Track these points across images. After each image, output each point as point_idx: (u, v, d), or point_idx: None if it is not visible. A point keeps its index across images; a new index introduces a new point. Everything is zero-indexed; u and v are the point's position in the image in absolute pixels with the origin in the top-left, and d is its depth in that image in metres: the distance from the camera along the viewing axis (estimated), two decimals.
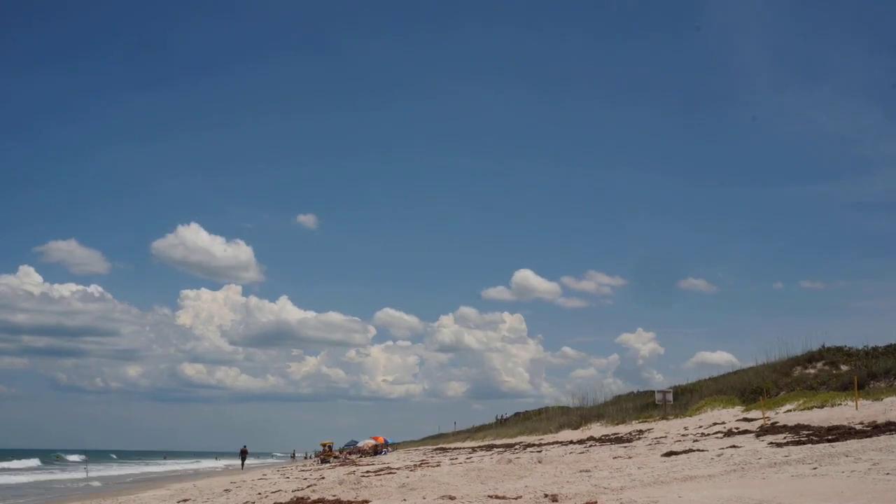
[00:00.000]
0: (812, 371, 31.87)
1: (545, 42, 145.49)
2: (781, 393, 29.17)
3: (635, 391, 48.37)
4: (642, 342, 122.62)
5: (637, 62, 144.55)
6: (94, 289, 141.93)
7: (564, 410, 55.92)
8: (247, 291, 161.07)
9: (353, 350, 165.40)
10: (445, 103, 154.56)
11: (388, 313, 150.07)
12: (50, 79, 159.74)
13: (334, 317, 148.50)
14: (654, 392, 39.97)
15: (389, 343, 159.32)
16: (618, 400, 46.22)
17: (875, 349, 31.61)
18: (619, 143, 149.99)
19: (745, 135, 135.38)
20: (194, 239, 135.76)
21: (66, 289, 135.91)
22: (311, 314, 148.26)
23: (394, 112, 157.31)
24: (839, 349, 33.32)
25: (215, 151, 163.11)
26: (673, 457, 16.20)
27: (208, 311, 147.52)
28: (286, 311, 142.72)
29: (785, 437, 17.30)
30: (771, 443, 16.57)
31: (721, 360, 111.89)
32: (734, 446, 16.89)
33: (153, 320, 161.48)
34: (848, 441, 14.73)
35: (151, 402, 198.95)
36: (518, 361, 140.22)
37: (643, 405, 39.65)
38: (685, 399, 36.24)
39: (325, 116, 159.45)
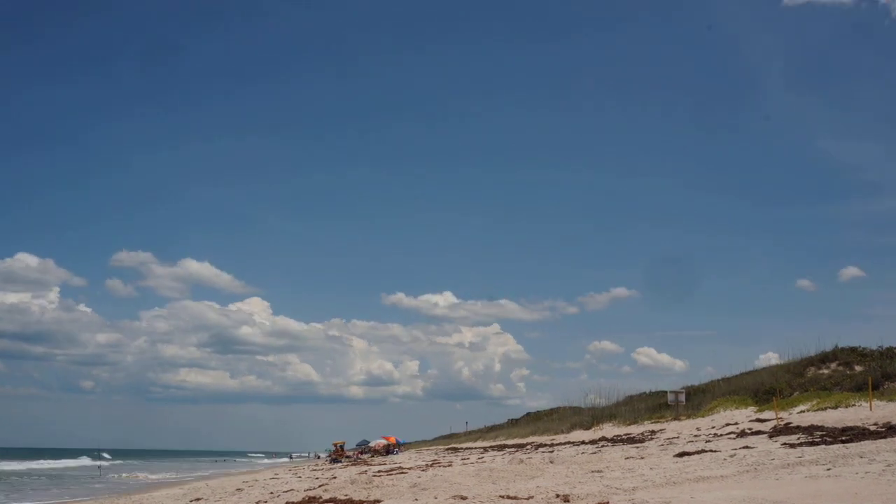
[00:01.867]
0: (826, 371, 31.67)
1: (553, 49, 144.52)
2: (795, 393, 28.99)
3: (648, 391, 48.20)
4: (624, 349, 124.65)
5: (646, 63, 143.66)
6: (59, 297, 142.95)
7: (576, 411, 55.73)
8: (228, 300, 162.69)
9: (336, 352, 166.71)
10: (450, 116, 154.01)
11: (370, 318, 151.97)
12: (67, 86, 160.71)
13: (322, 321, 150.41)
14: (666, 392, 39.83)
15: (375, 346, 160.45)
16: (630, 400, 46.01)
17: (890, 349, 31.37)
18: (628, 148, 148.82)
19: (755, 138, 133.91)
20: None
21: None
22: (294, 321, 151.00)
23: (401, 125, 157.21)
24: (853, 349, 33.08)
25: (221, 161, 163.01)
26: (685, 457, 16.15)
27: (189, 317, 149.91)
28: (273, 318, 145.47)
29: (798, 438, 17.20)
30: (784, 443, 16.48)
31: (648, 359, 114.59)
32: (747, 447, 16.81)
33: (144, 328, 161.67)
34: (862, 442, 14.64)
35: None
36: (495, 365, 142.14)
37: (655, 405, 39.49)
38: (698, 399, 36.07)
39: (333, 128, 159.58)
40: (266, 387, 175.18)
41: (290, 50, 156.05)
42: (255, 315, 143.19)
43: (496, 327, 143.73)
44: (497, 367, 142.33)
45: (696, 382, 42.20)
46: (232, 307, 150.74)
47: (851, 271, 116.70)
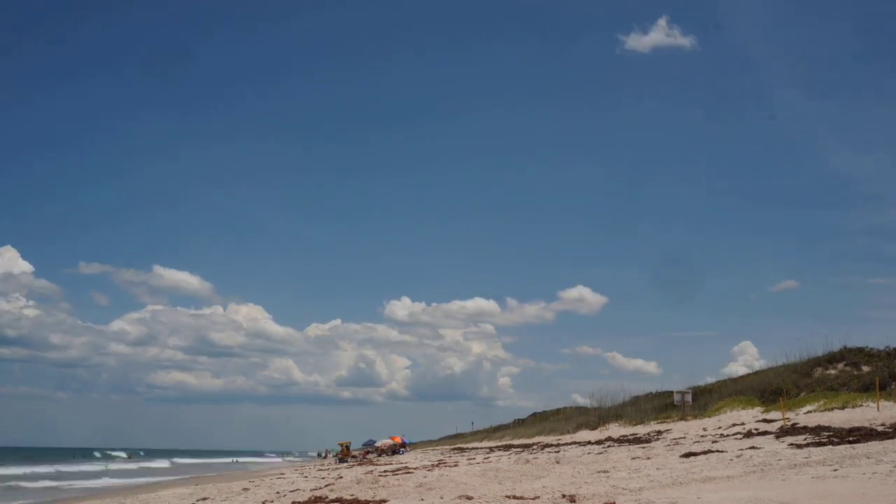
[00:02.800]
0: (833, 372, 31.56)
1: (558, 50, 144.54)
2: (802, 394, 28.91)
3: (654, 392, 48.13)
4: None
5: (653, 63, 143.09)
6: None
7: (582, 411, 55.74)
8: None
9: (324, 354, 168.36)
10: (450, 119, 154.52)
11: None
12: (74, 91, 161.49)
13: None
14: (672, 392, 39.76)
15: (362, 348, 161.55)
16: (636, 400, 45.97)
17: None
18: (635, 148, 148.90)
19: (762, 139, 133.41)
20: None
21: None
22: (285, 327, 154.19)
23: (399, 130, 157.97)
24: (860, 350, 32.96)
25: (218, 167, 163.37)
26: (692, 458, 16.12)
27: (177, 322, 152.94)
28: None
29: (805, 439, 17.16)
30: (791, 444, 16.44)
31: (635, 366, 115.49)
32: (754, 447, 16.78)
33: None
34: (869, 442, 14.59)
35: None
36: (482, 367, 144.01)
37: (662, 406, 39.44)
38: (704, 400, 36.01)
39: (334, 133, 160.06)
40: (257, 388, 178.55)
41: (291, 55, 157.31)
42: (246, 319, 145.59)
43: (482, 329, 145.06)
44: (485, 368, 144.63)
45: (701, 383, 42.21)
46: (219, 311, 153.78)
47: (853, 276, 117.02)
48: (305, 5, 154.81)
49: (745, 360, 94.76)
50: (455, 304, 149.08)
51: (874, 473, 10.28)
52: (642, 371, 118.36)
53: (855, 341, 34.30)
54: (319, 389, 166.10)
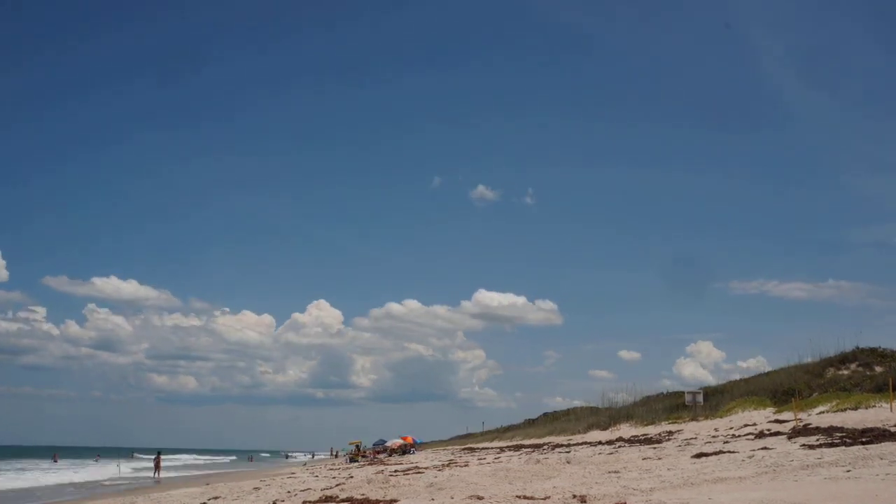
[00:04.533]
0: (845, 372, 31.40)
1: (568, 49, 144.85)
2: (814, 394, 28.77)
3: (665, 392, 48.02)
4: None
5: (659, 62, 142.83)
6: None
7: (593, 411, 55.67)
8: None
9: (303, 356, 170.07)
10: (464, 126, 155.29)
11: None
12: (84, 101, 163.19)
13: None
14: (684, 393, 39.67)
15: (343, 350, 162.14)
16: (647, 401, 45.88)
17: None
18: (644, 148, 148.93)
19: (770, 138, 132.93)
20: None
21: None
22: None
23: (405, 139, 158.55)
24: (873, 350, 32.81)
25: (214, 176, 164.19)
26: (703, 458, 16.06)
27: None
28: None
29: (817, 439, 17.07)
30: (803, 445, 16.36)
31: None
32: (765, 448, 16.70)
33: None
34: (882, 443, 14.51)
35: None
36: (460, 369, 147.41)
37: (673, 406, 39.36)
38: (716, 400, 35.91)
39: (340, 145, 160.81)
40: (233, 390, 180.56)
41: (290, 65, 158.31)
42: (224, 325, 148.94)
43: (456, 333, 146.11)
44: (461, 370, 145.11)
45: (714, 383, 42.10)
46: (198, 317, 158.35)
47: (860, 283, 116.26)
48: (311, 20, 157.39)
49: (701, 354, 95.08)
50: (436, 307, 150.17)
51: (887, 475, 10.23)
52: (598, 381, 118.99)
53: (867, 342, 34.19)
54: (293, 390, 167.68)
